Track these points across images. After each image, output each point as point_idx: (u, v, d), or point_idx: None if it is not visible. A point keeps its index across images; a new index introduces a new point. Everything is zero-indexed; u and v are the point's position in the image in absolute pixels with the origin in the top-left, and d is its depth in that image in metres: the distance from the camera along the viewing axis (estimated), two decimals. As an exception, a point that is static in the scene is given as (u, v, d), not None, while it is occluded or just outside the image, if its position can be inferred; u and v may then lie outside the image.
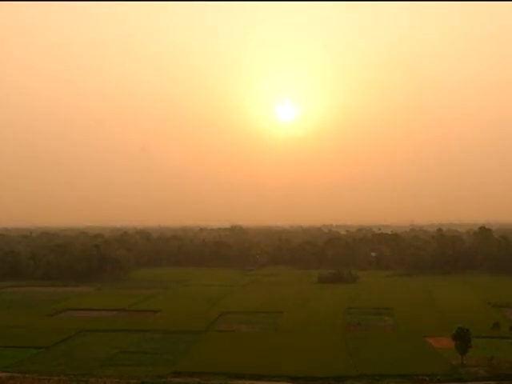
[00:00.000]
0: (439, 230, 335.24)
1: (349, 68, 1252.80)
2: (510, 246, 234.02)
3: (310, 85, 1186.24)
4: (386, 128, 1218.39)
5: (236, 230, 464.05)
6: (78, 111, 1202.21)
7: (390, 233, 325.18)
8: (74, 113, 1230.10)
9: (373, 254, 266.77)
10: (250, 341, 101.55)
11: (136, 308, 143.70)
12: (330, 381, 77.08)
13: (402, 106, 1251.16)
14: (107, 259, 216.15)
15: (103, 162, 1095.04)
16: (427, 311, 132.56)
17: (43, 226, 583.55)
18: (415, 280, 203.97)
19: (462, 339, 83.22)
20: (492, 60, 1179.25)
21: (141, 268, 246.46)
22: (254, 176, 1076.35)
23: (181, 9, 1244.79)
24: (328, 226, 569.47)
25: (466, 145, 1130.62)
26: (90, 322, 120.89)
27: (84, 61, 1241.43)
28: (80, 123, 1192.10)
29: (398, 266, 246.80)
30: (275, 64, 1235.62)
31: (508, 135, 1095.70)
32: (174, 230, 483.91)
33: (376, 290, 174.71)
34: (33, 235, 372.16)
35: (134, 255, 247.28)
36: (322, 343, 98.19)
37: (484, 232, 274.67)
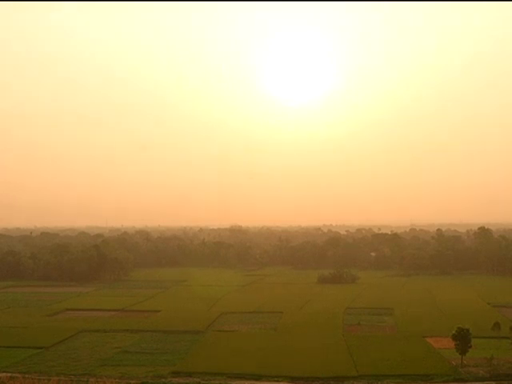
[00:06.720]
0: (439, 230, 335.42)
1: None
2: (510, 245, 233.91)
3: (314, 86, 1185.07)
4: (387, 129, 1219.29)
5: (236, 230, 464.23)
6: (78, 110, 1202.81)
7: (389, 233, 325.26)
8: (74, 112, 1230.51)
9: (373, 254, 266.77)
10: (249, 341, 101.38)
11: (136, 308, 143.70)
12: (329, 381, 77.02)
13: (401, 106, 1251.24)
14: (107, 259, 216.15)
15: (103, 162, 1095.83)
16: (427, 311, 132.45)
17: (43, 226, 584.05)
18: (415, 280, 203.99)
19: (462, 339, 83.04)
20: None
21: (141, 268, 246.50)
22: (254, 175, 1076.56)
23: (181, 9, 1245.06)
24: (328, 226, 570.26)
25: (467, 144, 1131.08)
26: (90, 322, 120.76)
27: (84, 60, 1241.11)
28: (80, 123, 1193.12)
29: (397, 266, 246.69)
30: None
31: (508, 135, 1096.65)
32: (173, 230, 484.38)
33: (376, 290, 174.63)
34: (33, 235, 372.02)
35: (133, 255, 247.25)
36: (321, 343, 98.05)
37: (484, 232, 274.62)
